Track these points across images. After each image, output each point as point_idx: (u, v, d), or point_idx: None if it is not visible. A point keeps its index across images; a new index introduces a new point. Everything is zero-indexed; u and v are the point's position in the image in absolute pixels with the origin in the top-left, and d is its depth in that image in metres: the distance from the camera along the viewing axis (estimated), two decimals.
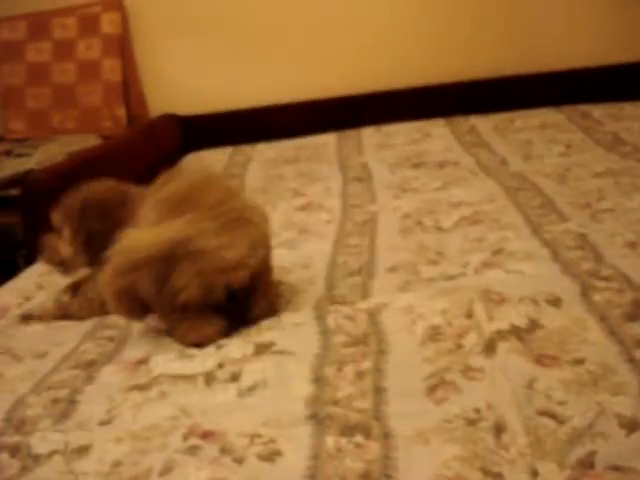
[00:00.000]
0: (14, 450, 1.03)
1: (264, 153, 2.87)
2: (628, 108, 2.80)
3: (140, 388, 1.15)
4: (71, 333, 1.44)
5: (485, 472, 0.84)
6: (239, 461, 0.92)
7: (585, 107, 2.80)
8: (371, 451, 0.91)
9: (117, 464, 0.96)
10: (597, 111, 2.74)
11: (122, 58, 3.13)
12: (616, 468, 0.83)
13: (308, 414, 1.01)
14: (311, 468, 0.89)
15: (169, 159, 2.87)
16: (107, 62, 3.10)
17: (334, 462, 0.90)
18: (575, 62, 3.00)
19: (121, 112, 3.07)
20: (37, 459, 1.00)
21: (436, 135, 2.79)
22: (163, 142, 2.97)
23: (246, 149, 2.94)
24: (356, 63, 3.11)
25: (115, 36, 3.12)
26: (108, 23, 3.13)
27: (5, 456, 1.02)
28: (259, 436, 0.96)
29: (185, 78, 3.15)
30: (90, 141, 2.91)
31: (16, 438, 1.06)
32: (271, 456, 0.92)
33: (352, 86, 3.11)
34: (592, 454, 0.85)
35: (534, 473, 0.84)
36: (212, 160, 2.82)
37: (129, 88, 3.12)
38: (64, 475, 0.96)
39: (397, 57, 3.10)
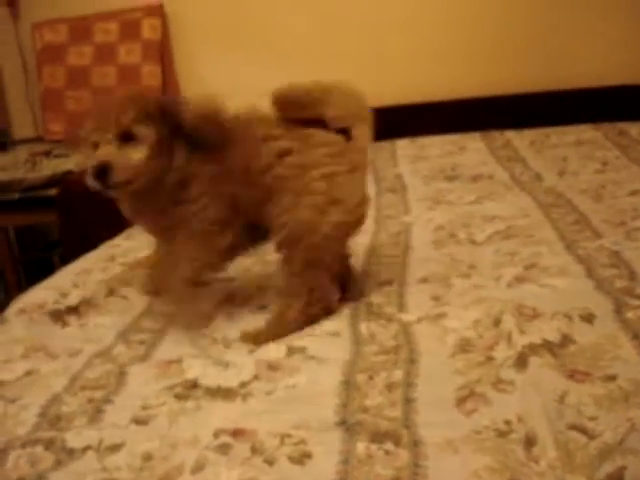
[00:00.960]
0: (49, 444, 1.05)
1: None
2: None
3: (177, 396, 1.16)
4: (105, 331, 1.46)
5: None
6: (270, 462, 0.93)
7: (622, 125, 2.79)
8: (401, 458, 0.92)
9: (148, 458, 0.97)
10: (634, 129, 2.73)
11: (161, 63, 3.17)
12: None
13: (338, 420, 1.02)
14: (341, 472, 0.90)
15: None
16: (147, 67, 3.15)
17: (364, 468, 0.90)
18: (612, 79, 2.98)
19: None
20: (71, 453, 1.02)
21: (471, 149, 2.80)
22: None
23: None
24: (389, 75, 3.13)
25: (155, 42, 3.17)
26: (149, 29, 3.17)
27: (40, 449, 1.04)
28: (289, 436, 0.98)
29: (222, 84, 3.18)
30: None
31: (51, 433, 1.08)
32: (302, 458, 0.93)
33: (385, 98, 3.12)
34: (622, 469, 0.85)
35: None
36: None
37: (168, 93, 3.16)
38: (97, 470, 0.98)
39: (433, 70, 3.12)
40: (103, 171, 1.26)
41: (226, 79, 3.15)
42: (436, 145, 2.89)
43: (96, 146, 1.29)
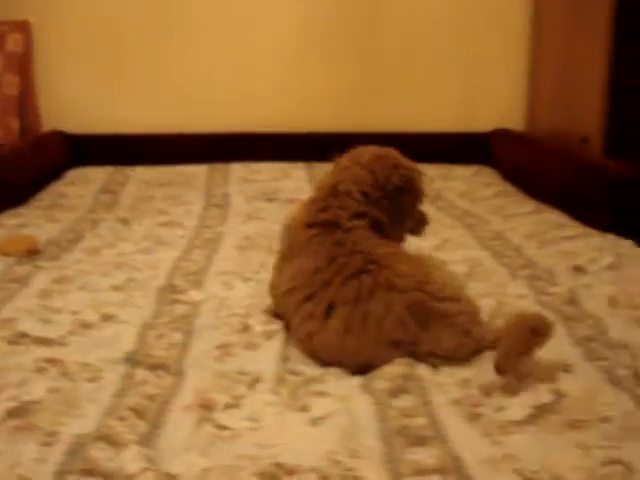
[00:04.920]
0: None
1: (142, 175, 3.23)
2: (457, 170, 3.32)
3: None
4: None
5: None
6: (73, 380, 1.31)
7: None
8: (167, 380, 1.31)
9: None
10: (429, 170, 3.24)
11: (21, 75, 3.44)
12: None
13: (125, 357, 1.40)
14: (124, 389, 1.28)
15: (54, 173, 3.21)
16: (7, 77, 3.41)
17: (140, 387, 1.29)
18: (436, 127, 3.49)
19: (15, 124, 3.38)
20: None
21: (294, 176, 3.22)
22: (50, 156, 3.28)
23: (126, 170, 3.29)
24: (233, 105, 3.52)
25: (17, 54, 3.44)
26: (12, 42, 3.44)
27: None
28: (89, 365, 1.37)
29: (79, 99, 3.49)
30: None
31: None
32: (95, 379, 1.33)
33: (230, 124, 3.51)
34: None
35: None
36: (93, 177, 3.17)
37: (25, 103, 3.44)
38: None
39: (270, 105, 3.52)
40: None
41: (82, 93, 3.46)
42: (265, 171, 3.29)
43: None
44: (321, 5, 3.45)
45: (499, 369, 1.29)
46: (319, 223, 1.55)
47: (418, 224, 1.71)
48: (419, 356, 1.40)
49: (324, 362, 1.42)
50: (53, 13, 3.41)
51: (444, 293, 1.45)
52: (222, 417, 1.20)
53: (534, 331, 1.32)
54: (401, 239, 1.67)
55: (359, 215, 1.55)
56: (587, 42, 2.92)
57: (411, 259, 1.54)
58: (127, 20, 3.42)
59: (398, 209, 1.62)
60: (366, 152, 1.63)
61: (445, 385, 1.32)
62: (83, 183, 3.11)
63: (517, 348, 1.30)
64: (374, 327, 1.39)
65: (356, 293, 1.42)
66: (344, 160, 1.64)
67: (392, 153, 1.65)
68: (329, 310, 1.42)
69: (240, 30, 3.45)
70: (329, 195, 1.58)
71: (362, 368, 1.38)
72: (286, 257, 1.59)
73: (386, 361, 1.37)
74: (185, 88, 3.50)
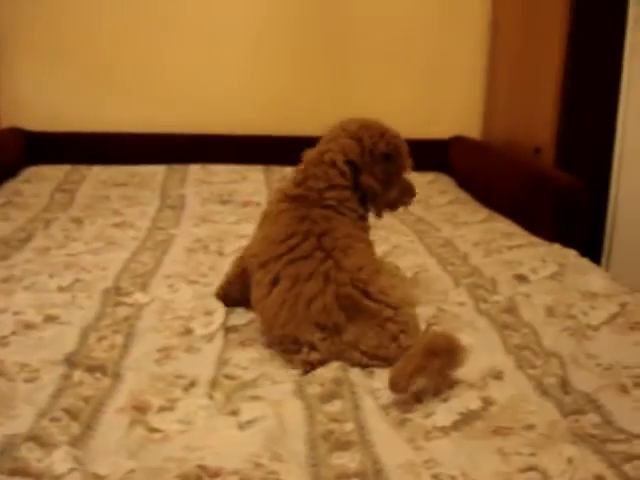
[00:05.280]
0: None
1: (99, 175, 3.22)
2: (414, 177, 3.34)
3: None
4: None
5: None
6: (11, 380, 1.32)
7: None
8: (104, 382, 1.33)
9: None
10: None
11: None
12: None
13: (64, 359, 1.42)
14: (60, 390, 1.30)
15: (11, 170, 3.19)
16: None
17: (77, 389, 1.31)
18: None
19: None
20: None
21: (251, 179, 3.24)
22: (7, 153, 3.26)
23: (83, 169, 3.28)
24: (194, 106, 3.52)
25: None
26: None
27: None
28: (28, 366, 1.38)
29: (38, 96, 3.47)
30: None
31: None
32: (32, 379, 1.34)
33: (190, 125, 3.52)
34: None
35: None
36: (50, 176, 3.16)
37: None
38: None
39: (231, 107, 3.54)
40: None
41: (42, 92, 3.44)
42: (223, 173, 3.31)
43: None
44: (280, 10, 3.47)
45: (392, 386, 1.30)
46: (291, 197, 1.62)
47: (404, 194, 1.75)
48: (342, 345, 1.46)
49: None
50: (10, 10, 3.38)
51: (382, 297, 1.50)
52: (155, 420, 1.23)
53: (433, 353, 1.33)
54: (380, 215, 1.72)
55: (335, 187, 1.60)
56: (541, 55, 2.97)
57: (364, 255, 1.59)
58: (84, 18, 3.40)
59: (385, 177, 1.67)
60: (353, 122, 1.68)
61: (377, 390, 1.36)
62: (39, 181, 3.10)
63: (411, 367, 1.31)
64: (303, 307, 1.49)
65: (297, 272, 1.51)
66: (332, 130, 1.69)
67: (379, 122, 1.71)
68: (275, 281, 1.53)
69: (200, 31, 3.46)
70: (312, 165, 1.63)
71: (290, 341, 1.48)
72: (260, 225, 1.68)
73: (309, 338, 1.46)
74: (145, 88, 3.50)
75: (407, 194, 1.76)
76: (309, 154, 1.68)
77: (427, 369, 1.32)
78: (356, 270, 1.52)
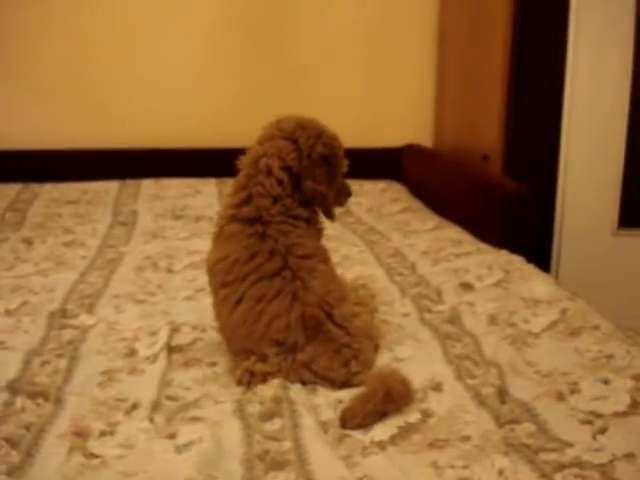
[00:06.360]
0: None
1: (50, 193, 3.20)
2: (367, 185, 3.38)
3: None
4: None
5: None
6: None
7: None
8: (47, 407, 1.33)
9: None
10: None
11: None
12: None
13: (5, 385, 1.41)
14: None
15: None
16: None
17: (18, 416, 1.30)
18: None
19: None
20: None
21: (204, 192, 3.24)
22: None
23: (35, 187, 3.25)
24: (145, 121, 3.52)
25: None
26: None
27: None
28: None
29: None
30: None
31: None
32: None
33: (142, 140, 3.52)
34: None
35: None
36: (1, 194, 3.13)
37: None
38: None
39: (182, 120, 3.54)
40: None
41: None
42: (176, 187, 3.30)
43: None
44: (228, 22, 3.49)
45: (343, 422, 1.32)
46: (241, 218, 1.59)
47: (340, 195, 1.74)
48: (294, 363, 1.48)
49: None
50: None
51: (344, 322, 1.54)
52: (94, 445, 1.23)
53: (391, 399, 1.35)
54: (332, 216, 1.71)
55: (277, 200, 1.58)
56: (487, 63, 3.02)
57: (331, 279, 1.61)
58: (34, 35, 3.38)
59: (326, 179, 1.65)
60: (290, 120, 1.64)
61: (318, 407, 1.38)
62: None
63: (368, 409, 1.32)
64: (264, 324, 1.50)
65: (262, 292, 1.52)
66: (267, 129, 1.65)
67: (315, 122, 1.68)
68: (239, 301, 1.53)
69: (149, 45, 3.46)
70: (250, 176, 1.59)
71: (245, 352, 1.51)
72: (215, 240, 1.66)
73: (264, 351, 1.49)
74: (96, 104, 3.49)
75: (343, 194, 1.75)
76: (244, 161, 1.63)
77: (380, 411, 1.34)
78: (324, 293, 1.54)
